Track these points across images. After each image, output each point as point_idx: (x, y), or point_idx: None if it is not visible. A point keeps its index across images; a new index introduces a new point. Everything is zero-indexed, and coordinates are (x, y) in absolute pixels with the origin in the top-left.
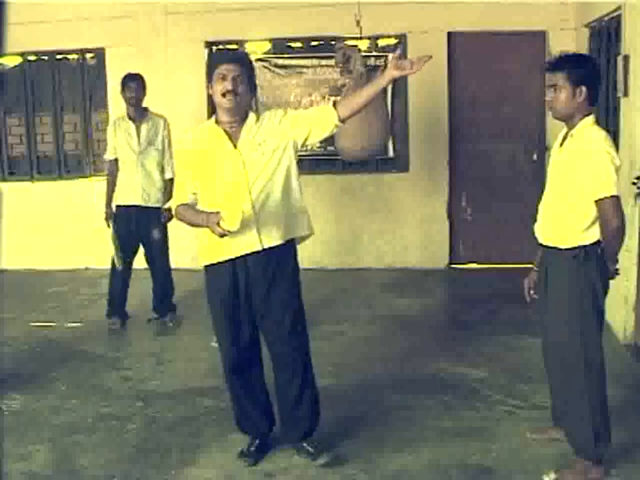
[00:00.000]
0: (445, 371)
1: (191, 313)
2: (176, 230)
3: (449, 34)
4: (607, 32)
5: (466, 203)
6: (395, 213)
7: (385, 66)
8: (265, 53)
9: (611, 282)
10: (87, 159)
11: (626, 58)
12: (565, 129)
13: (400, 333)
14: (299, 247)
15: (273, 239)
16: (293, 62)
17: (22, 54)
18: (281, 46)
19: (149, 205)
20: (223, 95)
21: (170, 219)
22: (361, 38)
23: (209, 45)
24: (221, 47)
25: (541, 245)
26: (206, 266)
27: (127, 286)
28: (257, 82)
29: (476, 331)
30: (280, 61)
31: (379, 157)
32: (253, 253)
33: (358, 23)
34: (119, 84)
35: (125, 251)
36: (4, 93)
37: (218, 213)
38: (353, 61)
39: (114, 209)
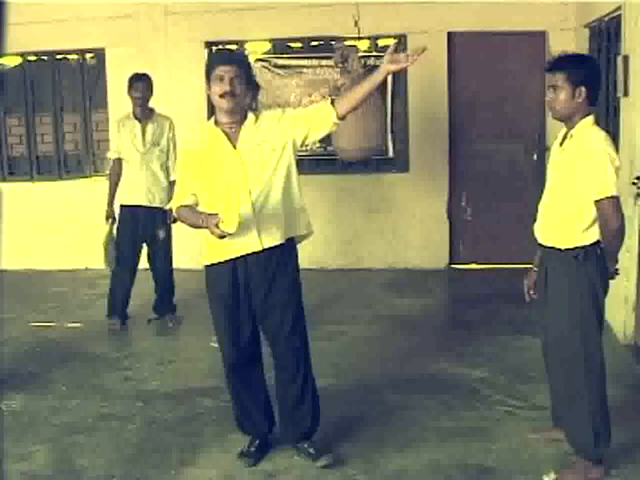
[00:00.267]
0: (444, 371)
1: (190, 313)
2: (175, 230)
3: (449, 34)
4: (606, 32)
5: (466, 203)
6: (394, 213)
7: None
8: (265, 53)
9: (611, 282)
10: (87, 158)
11: (626, 58)
12: (564, 129)
13: (400, 332)
14: (298, 247)
15: (273, 238)
16: (293, 62)
17: (22, 54)
18: (281, 46)
19: (154, 205)
20: (221, 96)
21: (176, 219)
22: (360, 38)
23: (208, 45)
24: (220, 47)
25: (540, 245)
26: (206, 266)
27: (128, 287)
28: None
29: (476, 331)
30: (280, 61)
31: (379, 157)
32: (253, 253)
33: (356, 23)
34: (126, 83)
35: (128, 251)
36: (4, 93)
37: (217, 214)
38: (351, 61)
39: (116, 208)
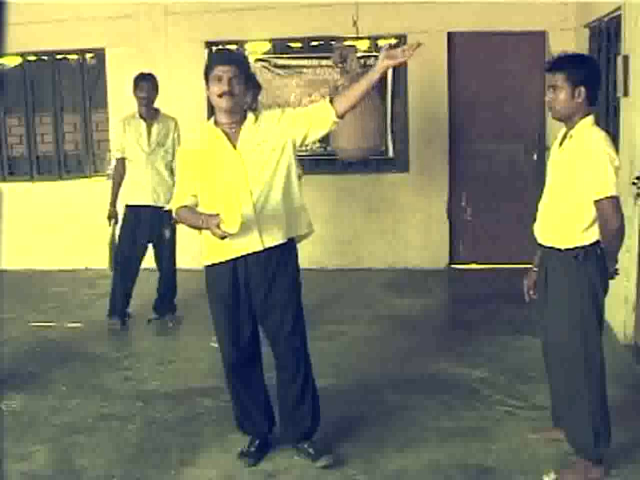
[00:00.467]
0: (445, 371)
1: (190, 313)
2: (177, 230)
3: (449, 34)
4: (606, 32)
5: (466, 203)
6: (394, 213)
7: None
8: (265, 53)
9: (611, 282)
10: (87, 158)
11: (626, 58)
12: (564, 129)
13: (400, 333)
14: (298, 247)
15: (274, 238)
16: (293, 62)
17: (22, 54)
18: (281, 46)
19: (159, 204)
20: (220, 96)
21: (175, 221)
22: (359, 38)
23: (209, 45)
24: (220, 47)
25: (540, 245)
26: (206, 266)
27: (129, 287)
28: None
29: (476, 331)
30: (280, 61)
31: (379, 157)
32: (254, 253)
33: (355, 22)
34: (132, 83)
35: (131, 251)
36: (4, 93)
37: (217, 215)
38: (349, 61)
39: (119, 208)
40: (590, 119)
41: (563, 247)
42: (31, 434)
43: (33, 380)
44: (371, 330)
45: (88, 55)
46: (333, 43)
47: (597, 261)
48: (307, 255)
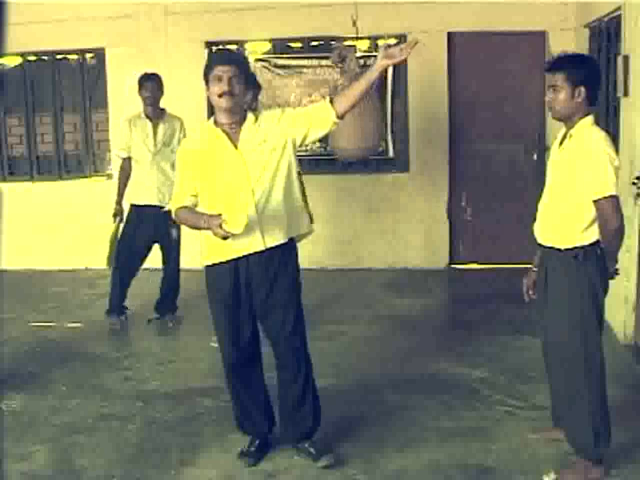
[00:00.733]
0: (445, 371)
1: (190, 313)
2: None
3: (449, 34)
4: (606, 32)
5: (466, 203)
6: (394, 213)
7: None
8: (265, 53)
9: (611, 282)
10: (87, 158)
11: (626, 58)
12: (564, 129)
13: (400, 333)
14: (298, 247)
15: (275, 238)
16: (293, 62)
17: (22, 54)
18: (281, 46)
19: (164, 204)
20: (220, 96)
21: (175, 221)
22: (359, 38)
23: (209, 45)
24: (220, 47)
25: (540, 245)
26: (207, 266)
27: (125, 286)
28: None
29: (476, 331)
30: (280, 61)
31: (379, 157)
32: (255, 253)
33: (354, 22)
34: (137, 83)
35: (131, 251)
36: (4, 93)
37: (219, 215)
38: (348, 61)
39: (125, 207)
40: (590, 118)
41: (562, 247)
42: (31, 434)
43: (32, 380)
44: (370, 330)
45: (88, 55)
46: (332, 42)
47: (597, 261)
48: (307, 255)
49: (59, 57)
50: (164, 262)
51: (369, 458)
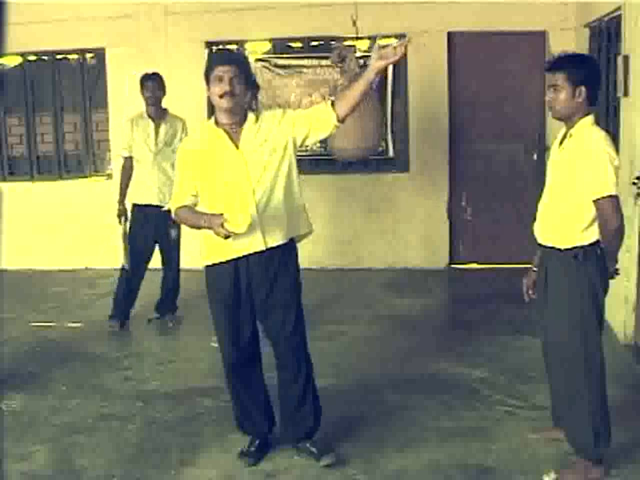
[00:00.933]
0: (445, 371)
1: (190, 313)
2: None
3: (449, 34)
4: (607, 32)
5: (466, 203)
6: (394, 213)
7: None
8: (265, 53)
9: (611, 282)
10: (87, 158)
11: (626, 58)
12: (564, 129)
13: (400, 333)
14: (298, 247)
15: (276, 238)
16: (293, 62)
17: (22, 54)
18: (281, 46)
19: (165, 204)
20: (221, 96)
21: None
22: (359, 38)
23: (209, 45)
24: (220, 47)
25: (540, 244)
26: (207, 266)
27: (135, 287)
28: (257, 82)
29: (476, 331)
30: (280, 61)
31: (379, 157)
32: (256, 252)
33: (354, 22)
34: (137, 83)
35: (139, 251)
36: (4, 93)
37: (221, 214)
38: (348, 61)
39: (128, 206)
40: (590, 118)
41: (562, 247)
42: (31, 434)
43: (33, 380)
44: (370, 330)
45: (88, 55)
46: (332, 42)
47: (597, 261)
48: (307, 255)
49: (59, 57)
50: (164, 262)
51: (369, 458)
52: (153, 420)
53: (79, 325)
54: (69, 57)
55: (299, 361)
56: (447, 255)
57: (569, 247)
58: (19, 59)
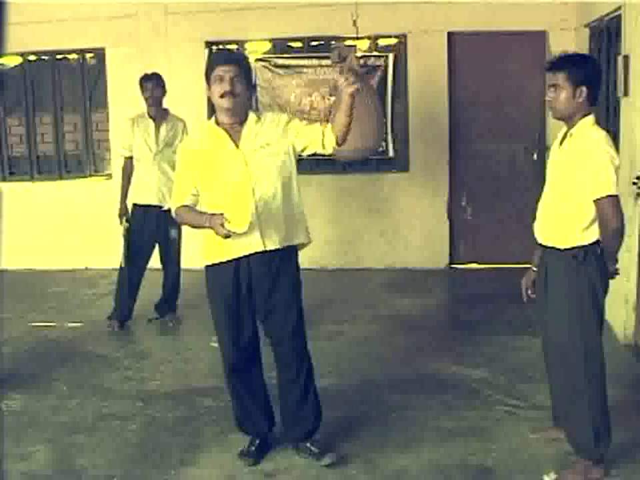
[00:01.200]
0: (444, 371)
1: (190, 312)
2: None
3: (449, 34)
4: (607, 32)
5: (466, 203)
6: (395, 213)
7: (385, 66)
8: (265, 53)
9: (611, 282)
10: (87, 158)
11: (626, 58)
12: (564, 129)
13: (400, 332)
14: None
15: (274, 241)
16: (293, 62)
17: (22, 54)
18: (281, 46)
19: (165, 204)
20: (221, 96)
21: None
22: (359, 38)
23: (209, 44)
24: (221, 47)
25: (540, 244)
26: (207, 266)
27: (136, 286)
28: (258, 82)
29: (476, 331)
30: (280, 61)
31: (379, 157)
32: (256, 253)
33: (354, 22)
34: (137, 83)
35: (138, 250)
36: (4, 93)
37: (222, 214)
38: (348, 61)
39: (129, 206)
40: (590, 118)
41: (562, 247)
42: (31, 434)
43: (32, 380)
44: (371, 330)
45: (88, 55)
46: (332, 43)
47: (597, 261)
48: (307, 255)
49: (59, 57)
50: (164, 262)
51: (369, 458)
52: (153, 420)
53: (79, 324)
54: (69, 56)
55: (300, 360)
56: (447, 254)
57: (569, 246)
58: (19, 59)
